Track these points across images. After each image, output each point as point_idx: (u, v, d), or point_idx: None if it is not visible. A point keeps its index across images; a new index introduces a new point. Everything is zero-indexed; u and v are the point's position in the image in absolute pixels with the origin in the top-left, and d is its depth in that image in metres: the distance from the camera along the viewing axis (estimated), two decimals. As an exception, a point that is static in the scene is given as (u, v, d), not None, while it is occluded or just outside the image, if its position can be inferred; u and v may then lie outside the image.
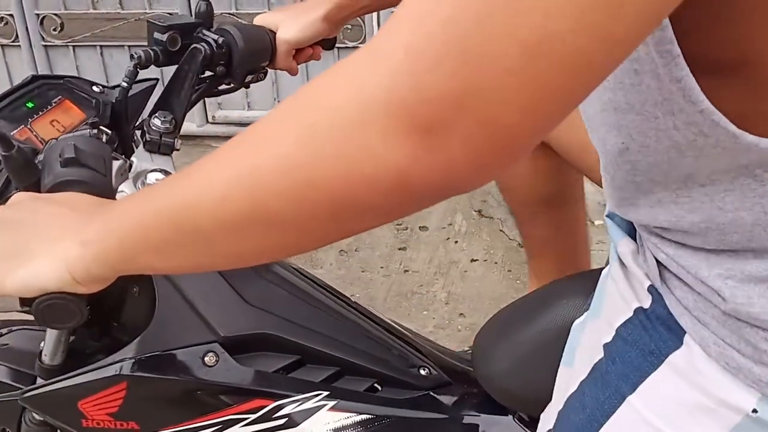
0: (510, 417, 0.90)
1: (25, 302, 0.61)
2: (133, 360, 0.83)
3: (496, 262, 2.18)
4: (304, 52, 1.04)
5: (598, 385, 0.65)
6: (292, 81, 2.77)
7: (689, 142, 0.49)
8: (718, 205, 0.52)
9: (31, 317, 0.63)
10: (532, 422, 0.87)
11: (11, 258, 0.58)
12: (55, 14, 2.91)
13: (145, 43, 0.91)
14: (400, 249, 2.27)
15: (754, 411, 0.54)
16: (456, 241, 2.28)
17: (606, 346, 0.65)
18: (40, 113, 0.83)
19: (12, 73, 3.02)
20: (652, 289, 0.61)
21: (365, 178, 0.40)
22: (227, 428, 0.82)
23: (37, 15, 2.87)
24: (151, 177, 0.84)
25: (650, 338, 0.60)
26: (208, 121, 2.99)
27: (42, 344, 0.90)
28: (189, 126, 2.93)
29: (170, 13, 2.51)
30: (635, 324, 0.62)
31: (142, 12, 2.85)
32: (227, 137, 3.11)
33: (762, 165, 0.49)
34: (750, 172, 0.50)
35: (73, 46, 2.90)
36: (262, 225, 0.45)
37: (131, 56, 0.86)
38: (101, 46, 2.86)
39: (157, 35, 0.88)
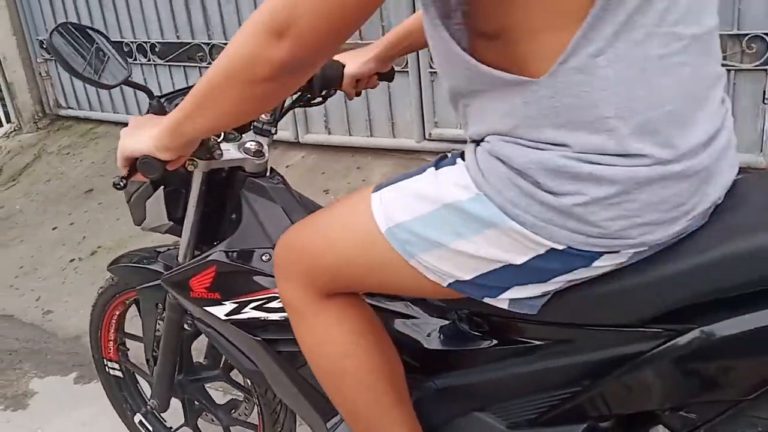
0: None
1: (131, 162, 1.12)
2: (222, 252, 1.33)
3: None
4: (364, 81, 1.49)
5: None
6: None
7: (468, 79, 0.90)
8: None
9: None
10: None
11: (132, 138, 1.11)
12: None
13: None
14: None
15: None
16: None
17: None
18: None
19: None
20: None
21: (261, 59, 0.85)
22: (269, 303, 1.27)
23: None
24: (248, 144, 1.34)
25: None
26: (425, 138, 3.38)
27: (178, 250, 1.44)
28: (408, 142, 3.32)
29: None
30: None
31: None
32: (441, 152, 3.52)
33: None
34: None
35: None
36: (223, 89, 0.92)
37: None
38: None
39: None
